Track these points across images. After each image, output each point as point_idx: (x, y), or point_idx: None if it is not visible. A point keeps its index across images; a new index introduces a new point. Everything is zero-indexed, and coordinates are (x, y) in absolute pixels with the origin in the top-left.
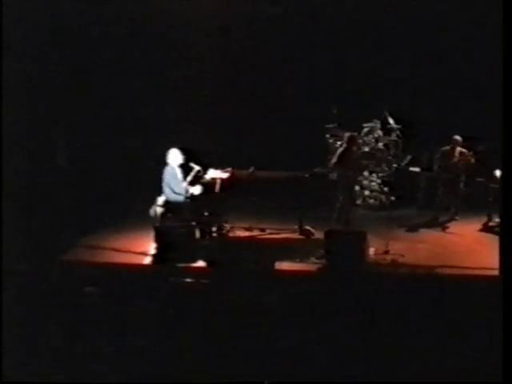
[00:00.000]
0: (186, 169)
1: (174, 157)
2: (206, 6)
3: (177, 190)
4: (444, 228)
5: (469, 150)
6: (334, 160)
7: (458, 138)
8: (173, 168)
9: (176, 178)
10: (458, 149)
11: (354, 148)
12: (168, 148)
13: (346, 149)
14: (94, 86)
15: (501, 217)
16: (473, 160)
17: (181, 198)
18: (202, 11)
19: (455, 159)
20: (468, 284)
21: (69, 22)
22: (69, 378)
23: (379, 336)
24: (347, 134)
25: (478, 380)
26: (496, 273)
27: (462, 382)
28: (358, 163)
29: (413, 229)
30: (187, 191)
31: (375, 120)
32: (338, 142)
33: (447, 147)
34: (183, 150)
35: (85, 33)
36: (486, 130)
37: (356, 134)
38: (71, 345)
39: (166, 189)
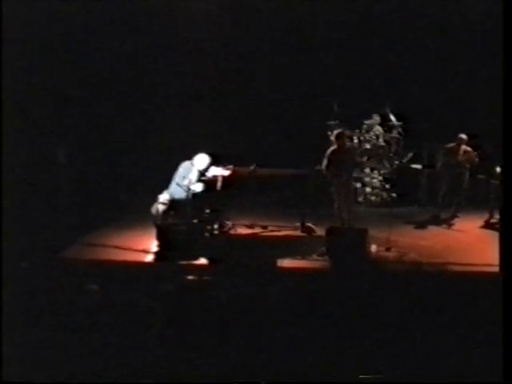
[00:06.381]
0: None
1: (200, 161)
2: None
3: (183, 185)
4: (446, 225)
5: (474, 148)
6: (325, 163)
7: (463, 136)
8: (190, 167)
9: (188, 176)
10: (463, 147)
11: (346, 145)
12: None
13: (335, 148)
14: (93, 83)
15: (501, 214)
16: (477, 158)
17: (183, 195)
18: (212, 11)
19: (459, 157)
20: (470, 281)
21: (75, 19)
22: (69, 377)
23: (380, 333)
24: (334, 133)
25: (478, 380)
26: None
27: (462, 382)
28: (352, 160)
29: (414, 226)
30: (189, 189)
31: (374, 114)
32: None
33: (452, 144)
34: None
35: (90, 29)
36: (488, 128)
37: (342, 130)
38: (72, 343)
39: (173, 183)
